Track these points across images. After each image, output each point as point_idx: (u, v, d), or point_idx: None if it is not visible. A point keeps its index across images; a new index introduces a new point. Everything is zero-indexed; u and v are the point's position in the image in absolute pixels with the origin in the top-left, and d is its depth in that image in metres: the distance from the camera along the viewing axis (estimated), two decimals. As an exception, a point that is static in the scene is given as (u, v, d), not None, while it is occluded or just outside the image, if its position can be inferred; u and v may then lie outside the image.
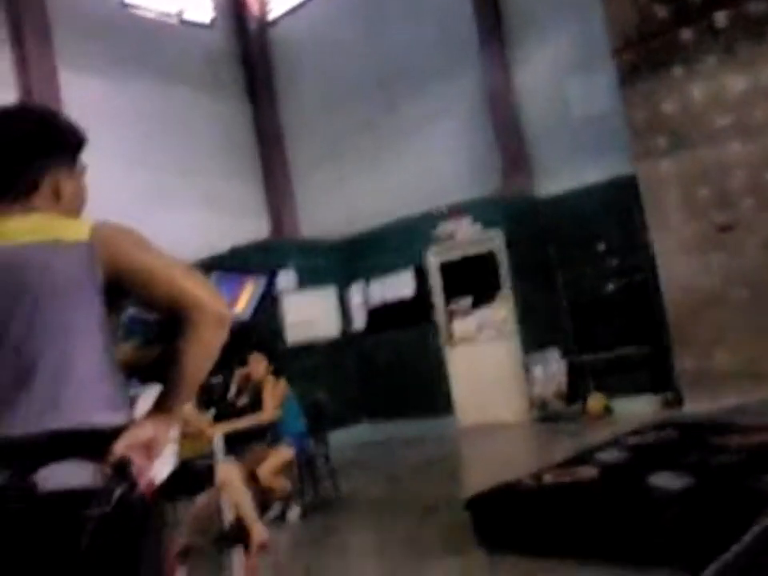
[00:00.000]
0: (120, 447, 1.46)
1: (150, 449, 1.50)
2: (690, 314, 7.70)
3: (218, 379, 6.48)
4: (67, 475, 1.43)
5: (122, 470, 1.45)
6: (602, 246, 8.84)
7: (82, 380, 1.48)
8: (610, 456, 4.88)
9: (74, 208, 1.68)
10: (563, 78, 9.19)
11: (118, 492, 1.44)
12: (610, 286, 8.81)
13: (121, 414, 1.53)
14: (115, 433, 1.48)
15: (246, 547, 4.22)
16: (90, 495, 1.43)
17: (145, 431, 1.51)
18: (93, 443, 1.45)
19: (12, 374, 1.47)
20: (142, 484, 1.48)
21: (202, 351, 1.51)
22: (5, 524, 1.43)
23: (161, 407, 1.56)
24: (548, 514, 4.12)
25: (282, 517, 5.53)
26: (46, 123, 1.67)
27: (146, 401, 1.66)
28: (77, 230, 1.53)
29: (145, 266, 1.52)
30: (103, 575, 1.45)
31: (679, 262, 7.79)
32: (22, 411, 1.46)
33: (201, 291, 1.51)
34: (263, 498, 5.38)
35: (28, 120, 1.67)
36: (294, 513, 5.52)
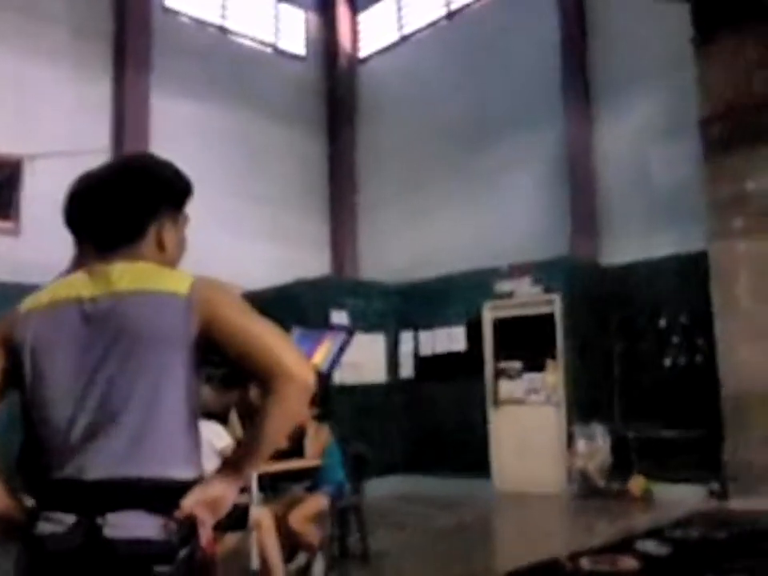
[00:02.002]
0: (189, 504, 1.47)
1: (216, 507, 1.50)
2: (747, 404, 7.42)
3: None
4: (135, 525, 1.43)
5: (188, 527, 1.46)
6: (663, 322, 8.63)
7: (164, 431, 1.50)
8: (652, 548, 4.71)
9: (175, 257, 1.72)
10: (645, 143, 9.05)
11: (184, 551, 1.45)
12: (667, 364, 8.57)
13: (194, 469, 1.54)
14: (187, 487, 1.49)
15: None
16: (156, 549, 1.43)
17: (214, 490, 1.51)
18: (164, 496, 1.46)
19: (96, 417, 1.48)
20: (204, 542, 1.49)
21: (284, 417, 1.52)
22: (67, 568, 1.44)
23: (233, 466, 1.56)
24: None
25: (306, 568, 5.44)
26: (155, 173, 1.71)
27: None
28: (178, 282, 1.56)
29: (240, 329, 1.53)
30: None
31: (743, 349, 7.53)
32: (100, 456, 1.47)
33: (290, 360, 1.50)
34: (290, 545, 5.30)
35: (139, 170, 1.71)
36: (319, 566, 5.41)
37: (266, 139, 11.40)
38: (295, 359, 1.52)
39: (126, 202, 1.64)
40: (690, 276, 8.22)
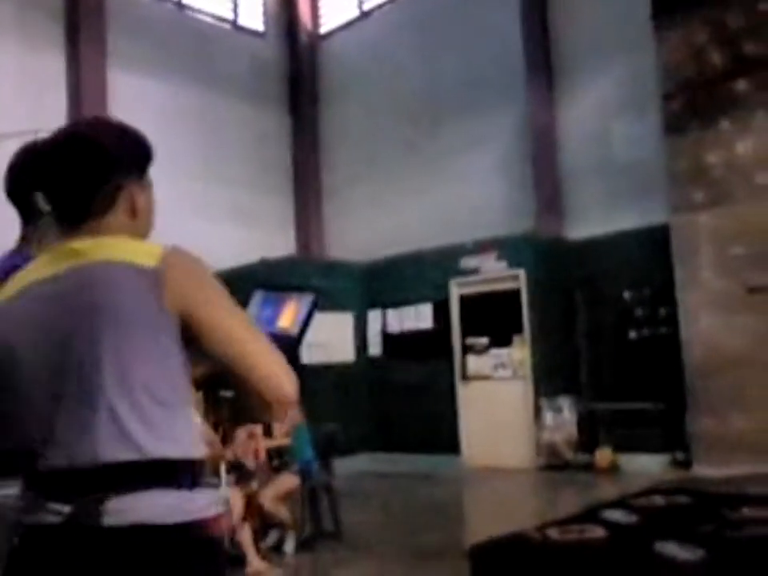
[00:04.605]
0: None
1: None
2: (710, 373, 7.57)
3: (228, 394, 6.40)
4: (135, 509, 1.37)
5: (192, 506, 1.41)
6: (627, 295, 8.74)
7: (150, 408, 1.41)
8: (617, 516, 4.78)
9: (148, 224, 1.63)
10: (607, 119, 9.13)
11: (189, 531, 1.39)
12: (632, 336, 8.69)
13: (184, 447, 1.46)
14: (180, 466, 1.42)
15: None
16: (161, 532, 1.37)
17: None
18: (158, 477, 1.40)
19: (77, 399, 1.41)
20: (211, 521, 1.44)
21: (258, 420, 1.48)
22: (66, 563, 1.37)
23: None
24: (551, 571, 4.02)
25: (278, 546, 5.44)
26: (119, 137, 1.60)
27: None
28: (144, 254, 1.46)
29: (215, 321, 1.44)
30: None
31: (704, 319, 7.68)
32: (87, 439, 1.39)
33: (277, 383, 1.42)
34: (262, 524, 5.30)
35: (102, 135, 1.59)
36: (290, 544, 5.43)
37: (228, 117, 11.24)
38: (282, 381, 1.42)
39: (92, 167, 1.53)
40: (652, 249, 8.33)
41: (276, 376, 1.42)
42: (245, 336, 1.45)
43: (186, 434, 1.48)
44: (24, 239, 1.98)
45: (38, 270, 1.53)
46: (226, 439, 5.41)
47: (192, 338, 1.45)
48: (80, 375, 1.41)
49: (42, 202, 1.86)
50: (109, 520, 1.35)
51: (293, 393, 1.43)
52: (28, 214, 1.98)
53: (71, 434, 1.41)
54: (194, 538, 1.40)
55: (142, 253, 1.47)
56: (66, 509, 1.37)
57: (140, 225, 1.60)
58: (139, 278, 1.43)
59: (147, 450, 1.40)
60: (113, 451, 1.39)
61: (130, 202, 1.57)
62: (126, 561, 1.35)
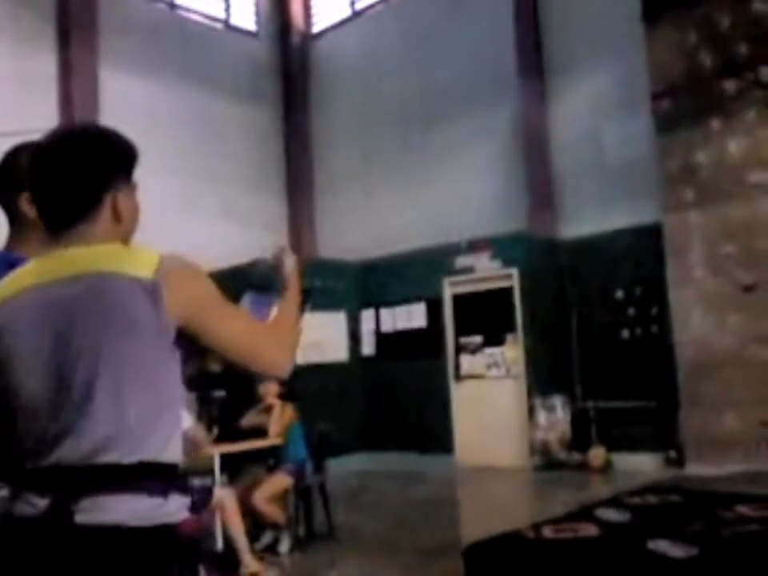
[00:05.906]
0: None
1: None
2: (702, 372, 7.60)
3: (220, 393, 6.42)
4: (107, 510, 1.39)
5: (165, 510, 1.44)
6: (620, 294, 8.76)
7: (137, 415, 1.45)
8: (611, 515, 4.81)
9: (131, 227, 1.65)
10: (599, 119, 9.14)
11: (159, 535, 1.42)
12: (624, 336, 8.71)
13: (163, 452, 1.49)
14: (164, 470, 1.46)
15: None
16: (130, 534, 1.39)
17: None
18: (137, 479, 1.42)
19: (71, 402, 1.43)
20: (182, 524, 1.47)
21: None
22: (38, 555, 1.39)
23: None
24: (546, 569, 4.04)
25: (272, 546, 5.44)
26: (105, 141, 1.62)
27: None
28: (145, 264, 1.49)
29: (216, 323, 1.55)
30: None
31: (696, 317, 7.71)
32: (75, 441, 1.42)
33: (271, 359, 1.62)
34: (255, 524, 5.30)
35: (88, 137, 1.62)
36: (284, 544, 5.43)
37: (220, 117, 11.22)
38: (282, 364, 1.63)
39: (81, 172, 1.55)
40: (644, 248, 8.36)
41: (276, 361, 1.63)
42: (244, 333, 1.59)
43: (165, 440, 1.50)
44: (10, 241, 1.98)
45: (37, 273, 1.53)
46: (221, 438, 5.43)
47: (193, 338, 1.52)
48: (77, 380, 1.44)
49: (26, 206, 1.88)
50: (81, 518, 1.38)
51: (288, 368, 1.64)
52: (13, 217, 1.99)
53: (62, 435, 1.43)
54: (163, 542, 1.43)
55: (140, 263, 1.49)
56: (42, 502, 1.40)
57: (124, 228, 1.62)
58: (141, 291, 1.46)
59: (127, 454, 1.43)
60: (96, 454, 1.42)
61: (114, 206, 1.59)
62: (94, 560, 1.38)
